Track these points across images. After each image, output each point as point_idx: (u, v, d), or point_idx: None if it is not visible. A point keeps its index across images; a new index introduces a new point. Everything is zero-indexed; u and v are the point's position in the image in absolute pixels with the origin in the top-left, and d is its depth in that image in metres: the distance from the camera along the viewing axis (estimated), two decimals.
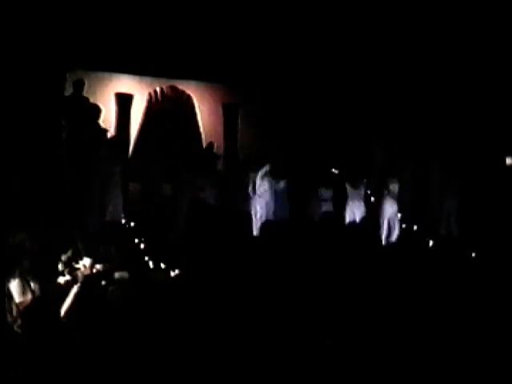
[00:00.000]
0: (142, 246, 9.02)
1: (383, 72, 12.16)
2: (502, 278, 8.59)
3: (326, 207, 10.66)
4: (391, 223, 10.49)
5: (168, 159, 10.64)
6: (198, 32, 11.48)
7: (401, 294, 7.80)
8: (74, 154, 9.48)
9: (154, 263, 8.45)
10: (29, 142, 9.04)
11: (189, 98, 12.38)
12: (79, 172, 9.21)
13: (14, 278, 5.25)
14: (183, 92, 12.35)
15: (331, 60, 12.11)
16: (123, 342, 5.61)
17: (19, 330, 5.05)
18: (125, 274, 6.76)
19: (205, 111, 12.47)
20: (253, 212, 10.24)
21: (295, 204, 10.53)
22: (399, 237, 10.52)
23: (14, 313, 5.08)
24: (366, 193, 10.99)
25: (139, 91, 12.04)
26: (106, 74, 11.74)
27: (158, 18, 11.26)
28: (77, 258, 6.22)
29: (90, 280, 5.69)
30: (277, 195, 10.36)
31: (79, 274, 5.71)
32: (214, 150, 11.46)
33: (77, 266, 5.93)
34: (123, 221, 9.58)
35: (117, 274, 6.66)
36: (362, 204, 10.71)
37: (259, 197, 10.22)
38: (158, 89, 12.18)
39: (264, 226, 10.12)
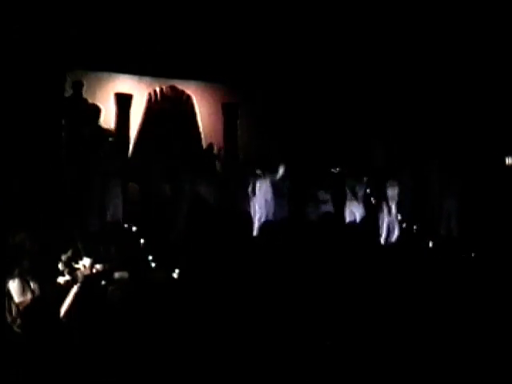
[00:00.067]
0: (142, 245, 9.02)
1: (383, 72, 12.16)
2: (502, 278, 8.59)
3: (326, 208, 10.65)
4: (391, 224, 10.50)
5: (168, 159, 10.64)
6: (198, 32, 11.48)
7: (400, 294, 7.79)
8: (73, 154, 9.47)
9: (154, 263, 8.44)
10: (29, 142, 9.03)
11: (188, 97, 12.38)
12: (79, 172, 9.20)
13: (13, 278, 5.26)
14: (183, 92, 12.35)
15: (331, 60, 12.11)
16: (123, 342, 5.61)
17: (19, 330, 5.06)
18: (125, 274, 6.76)
19: (204, 111, 12.47)
20: (252, 212, 10.24)
21: (295, 204, 10.53)
22: (399, 237, 10.52)
23: (14, 313, 5.09)
24: (365, 193, 10.99)
25: (139, 91, 12.03)
26: (106, 74, 11.74)
27: (157, 17, 11.26)
28: (77, 258, 6.22)
29: (89, 280, 5.69)
30: (277, 195, 10.36)
31: (79, 273, 5.72)
32: (214, 151, 11.45)
33: (77, 266, 5.93)
34: (123, 221, 9.57)
35: (117, 274, 6.65)
36: (362, 204, 10.71)
37: (259, 196, 10.22)
38: (157, 89, 12.17)
39: (264, 226, 10.11)
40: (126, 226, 9.50)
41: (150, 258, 8.53)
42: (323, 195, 10.65)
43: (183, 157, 10.80)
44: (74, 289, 5.48)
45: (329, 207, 10.67)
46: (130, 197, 10.18)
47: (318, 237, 9.60)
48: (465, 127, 11.84)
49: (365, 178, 10.86)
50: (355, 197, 10.66)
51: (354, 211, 10.65)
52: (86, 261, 5.86)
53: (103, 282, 6.09)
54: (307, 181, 10.86)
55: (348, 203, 10.69)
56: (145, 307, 6.11)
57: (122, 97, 11.83)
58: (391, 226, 10.48)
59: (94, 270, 5.83)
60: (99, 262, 5.99)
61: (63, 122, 10.01)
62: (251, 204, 10.25)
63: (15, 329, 5.04)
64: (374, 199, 11.02)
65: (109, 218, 9.25)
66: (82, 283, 5.55)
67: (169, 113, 12.26)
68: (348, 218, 10.63)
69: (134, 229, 9.45)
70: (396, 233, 10.48)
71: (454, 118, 11.95)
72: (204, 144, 12.13)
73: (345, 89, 12.22)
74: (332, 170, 11.51)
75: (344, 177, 11.10)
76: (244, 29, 11.58)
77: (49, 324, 5.17)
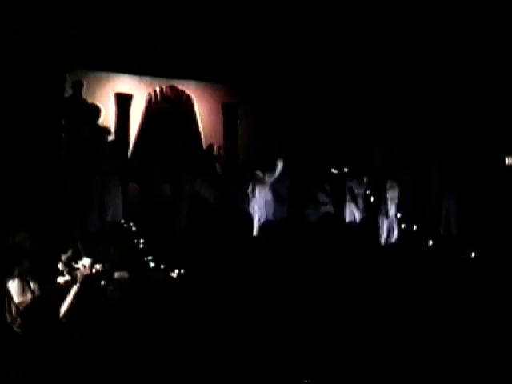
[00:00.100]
0: (142, 246, 9.02)
1: (383, 72, 12.15)
2: (502, 278, 8.59)
3: (326, 209, 10.65)
4: (390, 224, 10.50)
5: (168, 159, 10.64)
6: (198, 32, 11.48)
7: (400, 294, 7.80)
8: (73, 154, 9.48)
9: (153, 263, 8.45)
10: (29, 142, 9.04)
11: (188, 97, 12.38)
12: (79, 172, 9.21)
13: (13, 278, 5.26)
14: (183, 92, 12.34)
15: (331, 60, 12.11)
16: (123, 342, 5.61)
17: (19, 330, 5.06)
18: (124, 274, 6.77)
19: (204, 111, 12.46)
20: (252, 212, 10.24)
21: (295, 205, 10.53)
22: (399, 237, 10.52)
23: (14, 313, 5.09)
24: (365, 193, 10.98)
25: (139, 91, 12.03)
26: (106, 74, 11.73)
27: (157, 17, 11.26)
28: (76, 258, 6.22)
29: (89, 280, 5.69)
30: (277, 196, 10.36)
31: (79, 273, 5.71)
32: (214, 152, 11.46)
33: (76, 266, 5.93)
34: (123, 221, 9.57)
35: (116, 274, 6.66)
36: (362, 205, 10.72)
37: (259, 197, 10.23)
38: (157, 89, 12.17)
39: (263, 226, 10.11)
40: (125, 225, 9.50)
41: (150, 257, 8.53)
42: (323, 197, 10.65)
43: (183, 157, 10.80)
44: (74, 289, 5.48)
45: (329, 208, 10.67)
46: (129, 197, 10.19)
47: (317, 237, 9.60)
48: (465, 127, 11.83)
49: (365, 179, 10.86)
50: (355, 200, 10.66)
51: (353, 212, 10.66)
52: (86, 261, 5.85)
53: (103, 282, 6.09)
54: (307, 181, 10.86)
55: (348, 204, 10.69)
56: (144, 307, 6.12)
57: (121, 97, 11.82)
58: (391, 227, 10.49)
59: (94, 270, 5.82)
60: (99, 262, 5.99)
61: (63, 122, 10.02)
62: (251, 204, 10.26)
63: (15, 329, 5.04)
64: (374, 200, 11.02)
65: (109, 218, 9.26)
66: (82, 283, 5.55)
67: (169, 113, 12.25)
68: (348, 219, 10.63)
69: (133, 229, 9.45)
70: (395, 233, 10.49)
71: (453, 118, 11.95)
72: (204, 144, 12.12)
73: (345, 89, 12.22)
74: (332, 170, 11.51)
75: (344, 177, 11.09)
76: (244, 29, 11.58)
77: (49, 324, 5.17)
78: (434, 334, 6.66)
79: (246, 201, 10.26)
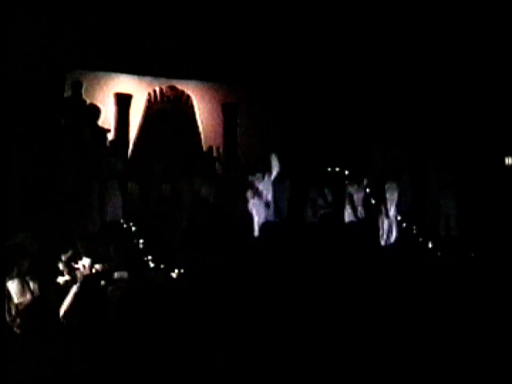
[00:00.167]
0: (142, 246, 9.02)
1: (383, 73, 12.15)
2: (502, 279, 8.58)
3: (325, 210, 10.66)
4: (390, 225, 10.50)
5: (167, 159, 10.64)
6: (198, 32, 11.49)
7: (400, 295, 7.79)
8: (73, 154, 9.47)
9: (153, 263, 8.44)
10: (29, 142, 9.04)
11: (188, 97, 12.39)
12: (79, 172, 9.21)
13: (13, 278, 5.26)
14: (183, 92, 12.35)
15: (331, 61, 12.11)
16: (122, 342, 5.61)
17: (19, 330, 5.06)
18: (124, 274, 6.76)
19: (204, 111, 12.47)
20: (252, 213, 10.24)
21: (294, 206, 10.53)
22: (398, 238, 10.51)
23: (13, 313, 5.09)
24: (365, 193, 10.98)
25: (139, 91, 12.04)
26: (106, 74, 11.74)
27: (157, 18, 11.26)
28: (76, 258, 6.22)
29: (89, 280, 5.69)
30: (276, 197, 10.36)
31: (79, 273, 5.72)
32: (214, 154, 11.47)
33: (76, 266, 5.93)
34: (122, 221, 9.57)
35: (116, 274, 6.66)
36: (360, 208, 10.71)
37: (259, 198, 10.22)
38: (157, 89, 12.18)
39: (263, 226, 10.11)
40: (125, 225, 9.50)
41: (150, 257, 8.53)
42: (322, 201, 10.66)
43: (183, 157, 10.80)
44: (74, 289, 5.48)
45: (328, 209, 10.68)
46: (129, 197, 10.19)
47: (317, 238, 9.60)
48: (464, 128, 11.83)
49: (365, 181, 10.86)
50: (353, 207, 10.67)
51: (353, 212, 10.66)
52: (86, 261, 5.86)
53: (102, 282, 6.09)
54: (306, 183, 10.86)
55: (347, 204, 10.69)
56: (144, 307, 6.11)
57: (121, 97, 11.83)
58: (390, 227, 10.48)
59: (94, 270, 5.83)
60: (99, 262, 5.99)
61: (63, 122, 10.02)
62: (251, 205, 10.25)
63: (15, 329, 5.04)
64: (374, 201, 11.02)
65: (108, 217, 9.26)
66: (82, 283, 5.55)
67: (169, 113, 12.26)
68: (347, 219, 10.63)
69: (133, 229, 9.45)
70: (394, 233, 10.48)
71: (453, 119, 11.95)
72: (204, 144, 12.13)
73: (345, 90, 12.22)
74: (331, 171, 11.50)
75: (344, 180, 11.08)
76: (244, 29, 11.58)
77: (48, 324, 5.17)
78: (434, 335, 6.65)
79: (246, 202, 10.25)
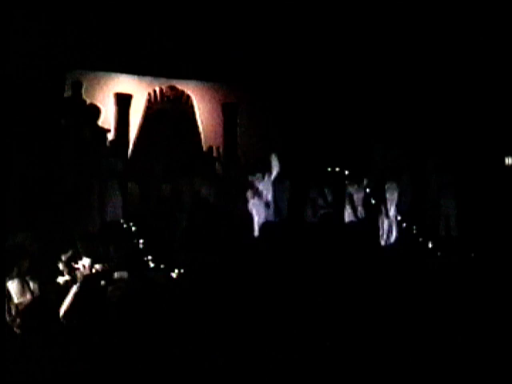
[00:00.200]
0: (142, 246, 9.02)
1: (383, 73, 12.16)
2: (502, 278, 8.58)
3: (325, 211, 10.66)
4: (390, 225, 10.50)
5: (167, 159, 10.64)
6: (198, 32, 11.49)
7: (400, 295, 7.79)
8: (73, 154, 9.47)
9: (153, 263, 8.44)
10: (29, 142, 9.04)
11: (188, 97, 12.39)
12: (79, 172, 9.21)
13: (13, 278, 5.26)
14: (183, 92, 12.35)
15: (331, 61, 12.11)
16: (122, 342, 5.61)
17: (18, 330, 5.06)
18: (124, 274, 6.76)
19: (204, 111, 12.47)
20: (252, 213, 10.24)
21: (294, 205, 10.53)
22: (398, 238, 10.51)
23: (13, 313, 5.09)
24: (365, 193, 10.98)
25: (139, 91, 12.04)
26: (106, 74, 11.74)
27: (157, 17, 11.26)
28: (76, 258, 6.22)
29: (89, 280, 5.69)
30: (276, 197, 10.36)
31: (79, 273, 5.72)
32: (214, 154, 11.47)
33: (76, 266, 5.93)
34: (122, 221, 9.57)
35: (116, 274, 6.66)
36: (362, 211, 10.72)
37: (259, 198, 10.23)
38: (157, 89, 12.18)
39: (263, 226, 10.11)
40: (125, 225, 9.50)
41: (150, 257, 8.53)
42: (322, 201, 10.66)
43: (183, 157, 10.80)
44: (74, 289, 5.48)
45: (328, 209, 10.68)
46: (129, 197, 10.19)
47: (317, 238, 9.60)
48: (464, 128, 11.83)
49: (365, 181, 10.86)
50: (353, 208, 10.67)
51: (353, 212, 10.66)
52: (86, 261, 5.86)
53: (102, 282, 6.09)
54: (306, 183, 10.86)
55: (347, 204, 10.69)
56: (144, 307, 6.11)
57: (121, 97, 11.83)
58: (390, 227, 10.49)
59: (94, 270, 5.83)
60: (99, 262, 5.99)
61: (63, 122, 10.02)
62: (251, 205, 10.25)
63: (15, 329, 5.04)
64: (374, 201, 11.02)
65: (108, 217, 9.26)
66: (82, 283, 5.55)
67: (169, 113, 12.27)
68: (347, 219, 10.63)
69: (133, 229, 9.45)
70: (394, 233, 10.49)
71: (453, 119, 11.95)
72: (204, 144, 12.13)
73: (345, 90, 12.22)
74: (331, 172, 11.49)
75: (344, 180, 11.08)
76: (244, 29, 11.58)
77: (48, 324, 5.17)
78: (435, 334, 6.65)
79: (247, 202, 10.25)
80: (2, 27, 9.28)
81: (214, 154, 11.52)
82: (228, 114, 12.52)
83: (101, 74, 11.62)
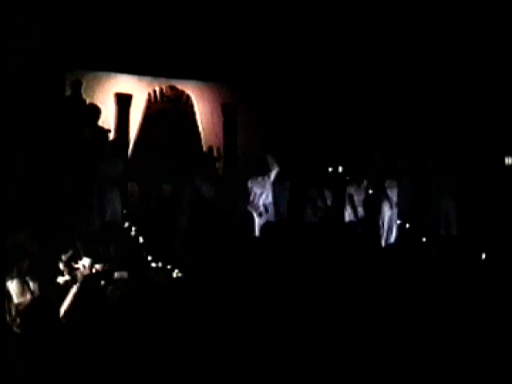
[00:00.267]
0: (142, 246, 9.02)
1: (382, 73, 12.16)
2: (503, 278, 8.58)
3: (325, 210, 10.67)
4: (390, 225, 10.51)
5: (167, 159, 10.64)
6: (198, 32, 11.49)
7: (400, 295, 7.79)
8: (73, 154, 9.48)
9: (154, 263, 8.44)
10: (29, 141, 9.04)
11: (188, 97, 12.38)
12: (79, 172, 9.21)
13: (13, 278, 5.26)
14: (182, 92, 12.35)
15: (331, 61, 12.11)
16: (122, 342, 5.61)
17: (18, 331, 5.06)
18: (124, 274, 6.76)
19: (204, 111, 12.47)
20: (253, 213, 10.26)
21: (294, 205, 10.53)
22: (398, 238, 10.52)
23: (13, 313, 5.09)
24: (365, 194, 10.99)
25: (139, 91, 12.04)
26: (106, 74, 11.74)
27: (157, 17, 11.27)
28: (76, 258, 6.22)
29: (89, 280, 5.69)
30: (277, 197, 10.36)
31: (79, 273, 5.71)
32: (214, 154, 11.47)
33: (76, 266, 5.93)
34: (122, 221, 9.57)
35: (116, 274, 6.65)
36: (362, 205, 10.72)
37: (259, 198, 10.24)
38: (157, 88, 12.17)
39: (263, 226, 10.12)
40: (125, 225, 9.51)
41: (150, 258, 8.53)
42: (322, 202, 10.66)
43: (183, 157, 10.80)
44: (74, 289, 5.48)
45: (328, 209, 10.68)
46: (129, 197, 10.19)
47: (317, 238, 9.60)
48: (464, 128, 11.84)
49: (365, 181, 10.86)
50: (353, 208, 10.67)
51: (353, 212, 10.66)
52: (86, 261, 5.85)
53: (102, 282, 6.09)
54: (307, 182, 10.86)
55: (347, 204, 10.70)
56: (144, 307, 6.11)
57: (121, 97, 11.83)
58: (390, 226, 10.50)
59: (94, 270, 5.82)
60: (99, 262, 5.99)
61: (63, 122, 10.02)
62: (251, 205, 10.26)
63: (15, 329, 5.04)
64: (374, 200, 11.02)
65: (108, 218, 9.26)
66: (82, 283, 5.55)
67: (169, 113, 12.26)
68: (347, 219, 10.64)
69: (133, 229, 9.45)
70: (394, 233, 10.49)
71: (453, 118, 11.95)
72: (204, 144, 12.13)
73: (344, 90, 12.22)
74: (331, 172, 11.50)
75: (344, 181, 11.08)
76: (244, 29, 11.58)
77: (48, 324, 5.17)
78: (435, 334, 6.65)
79: (247, 202, 10.26)
80: (2, 27, 9.29)
81: (214, 154, 11.51)
82: (228, 114, 12.52)
83: (101, 73, 11.62)
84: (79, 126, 9.87)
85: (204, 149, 11.96)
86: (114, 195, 9.34)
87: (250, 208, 10.25)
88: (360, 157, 11.66)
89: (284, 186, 10.49)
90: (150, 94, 12.14)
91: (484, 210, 10.94)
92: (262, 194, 10.27)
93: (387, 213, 10.51)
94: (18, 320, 5.07)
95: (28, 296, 5.21)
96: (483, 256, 9.90)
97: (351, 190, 10.77)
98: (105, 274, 6.14)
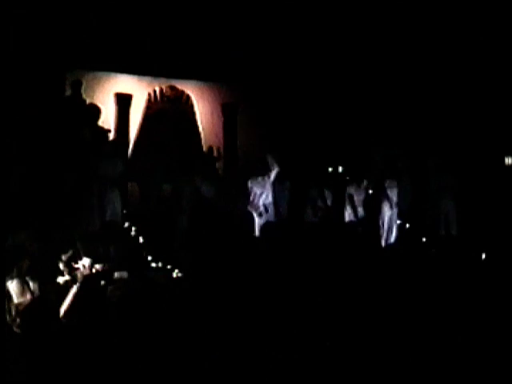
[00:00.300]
0: (142, 246, 9.02)
1: (382, 73, 12.16)
2: (503, 278, 8.58)
3: (325, 210, 10.67)
4: (390, 224, 10.51)
5: (167, 159, 10.64)
6: (198, 32, 11.49)
7: (400, 295, 7.79)
8: (73, 154, 9.48)
9: (153, 263, 8.44)
10: (28, 141, 9.04)
11: (188, 97, 12.39)
12: (79, 172, 9.21)
13: (13, 278, 5.25)
14: (182, 92, 12.35)
15: (331, 61, 12.12)
16: (122, 342, 5.61)
17: (18, 331, 5.06)
18: (124, 274, 6.76)
19: (204, 111, 12.47)
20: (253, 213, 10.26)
21: (294, 205, 10.53)
22: (398, 237, 10.52)
23: (13, 313, 5.09)
24: (365, 194, 10.99)
25: (139, 91, 12.04)
26: (106, 74, 11.75)
27: (157, 17, 11.27)
28: (76, 258, 6.22)
29: (89, 280, 5.68)
30: (276, 197, 10.36)
31: (78, 273, 5.71)
32: (214, 154, 11.48)
33: (76, 266, 5.93)
34: (122, 221, 9.57)
35: (116, 274, 6.65)
36: (362, 205, 10.72)
37: (259, 198, 10.24)
38: (157, 88, 12.18)
39: (263, 226, 10.12)
40: (125, 225, 9.51)
41: (150, 257, 8.53)
42: (322, 202, 10.66)
43: (183, 157, 10.80)
44: (74, 289, 5.48)
45: (328, 210, 10.69)
46: (130, 197, 10.19)
47: (317, 238, 9.60)
48: (464, 128, 11.84)
49: (365, 181, 10.86)
50: (355, 198, 10.67)
51: (353, 212, 10.66)
52: (86, 261, 5.85)
53: (102, 282, 6.09)
54: (307, 182, 10.86)
55: (348, 204, 10.70)
56: (144, 307, 6.11)
57: (121, 97, 11.83)
58: (390, 227, 10.50)
59: (94, 270, 5.82)
60: (99, 262, 5.99)
61: (63, 122, 10.02)
62: (251, 205, 10.26)
63: (15, 329, 5.04)
64: (374, 200, 11.03)
65: (108, 218, 9.26)
66: (82, 283, 5.55)
67: (169, 113, 12.27)
68: (347, 219, 10.64)
69: (133, 229, 9.45)
70: (394, 233, 10.49)
71: (453, 118, 11.95)
72: (204, 144, 12.13)
73: (344, 89, 12.22)
74: (331, 172, 11.50)
75: (344, 181, 11.08)
76: (244, 29, 11.58)
77: (48, 324, 5.17)
78: (435, 335, 6.65)
79: (247, 201, 10.26)
80: (2, 27, 9.29)
81: (214, 154, 11.51)
82: (228, 114, 12.52)
83: (101, 73, 11.63)
84: (79, 125, 9.86)
85: (204, 149, 11.97)
86: (113, 195, 9.34)
87: (249, 208, 10.26)
88: (360, 157, 11.66)
89: (284, 186, 10.48)
90: (150, 94, 12.14)
91: (484, 210, 10.93)
92: (262, 194, 10.28)
93: (387, 213, 10.52)
94: (17, 320, 5.07)
95: (28, 296, 5.21)
96: (483, 256, 9.90)
97: (351, 189, 10.77)
98: (105, 274, 6.14)
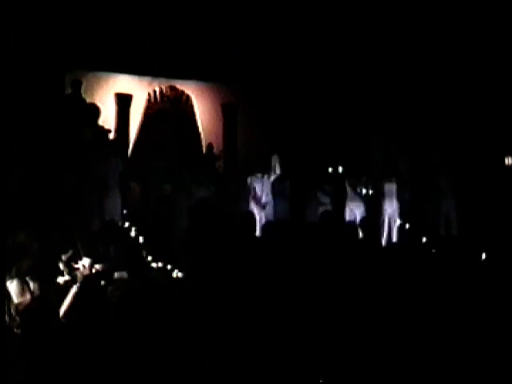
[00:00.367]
0: (142, 246, 9.01)
1: (382, 71, 12.16)
2: (503, 278, 8.57)
3: (325, 209, 10.66)
4: (390, 223, 10.51)
5: (167, 159, 10.64)
6: (198, 32, 11.49)
7: (400, 295, 7.78)
8: (73, 154, 9.48)
9: (153, 263, 8.44)
10: (28, 141, 9.04)
11: (188, 97, 12.40)
12: (79, 172, 9.21)
13: (13, 278, 5.25)
14: (182, 92, 12.36)
15: (330, 60, 12.12)
16: (122, 343, 5.60)
17: (18, 331, 5.05)
18: (124, 274, 6.75)
19: (204, 111, 12.48)
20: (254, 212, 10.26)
21: (295, 205, 10.53)
22: (398, 238, 10.52)
23: (13, 313, 5.08)
24: (366, 192, 10.99)
25: (139, 91, 12.05)
26: (106, 74, 11.76)
27: (157, 17, 11.27)
28: (76, 258, 6.22)
29: (89, 280, 5.68)
30: (277, 196, 10.37)
31: (78, 274, 5.71)
32: (214, 151, 11.47)
33: (76, 266, 5.93)
34: (122, 221, 9.57)
35: (116, 274, 6.65)
36: (362, 204, 10.72)
37: (259, 198, 10.25)
38: (157, 89, 12.19)
39: (265, 227, 10.10)
40: (125, 225, 9.50)
41: (150, 258, 8.52)
42: (323, 197, 10.66)
43: (183, 157, 10.80)
44: (74, 289, 5.48)
45: (328, 208, 10.68)
46: (130, 197, 10.18)
47: (317, 238, 9.58)
48: (464, 128, 11.84)
49: (364, 178, 10.87)
50: (355, 196, 10.67)
51: (353, 211, 10.66)
52: (86, 261, 5.85)
53: (102, 282, 6.08)
54: (307, 181, 10.87)
55: (348, 202, 10.70)
56: (145, 307, 6.11)
57: (121, 97, 11.84)
58: (390, 225, 10.50)
59: (94, 270, 5.82)
60: (99, 262, 5.98)
61: (63, 121, 10.02)
62: (254, 199, 10.26)
63: (14, 329, 5.04)
64: (373, 198, 11.03)
65: (108, 217, 9.26)
66: (82, 283, 5.55)
67: (169, 113, 12.28)
68: (348, 218, 10.63)
69: (133, 229, 9.45)
70: (395, 233, 10.50)
71: (453, 118, 11.95)
72: (204, 144, 12.13)
73: (344, 88, 12.22)
74: (332, 169, 11.50)
75: (344, 176, 11.09)
76: (243, 29, 11.59)
77: (48, 324, 5.17)
78: (435, 335, 6.65)
79: (247, 201, 10.26)
80: (2, 27, 9.29)
81: (214, 154, 11.51)
82: (228, 114, 12.53)
83: (101, 73, 11.64)
84: (79, 125, 9.86)
85: (204, 149, 11.97)
86: (113, 195, 9.34)
87: (252, 202, 10.23)
88: (360, 156, 11.66)
89: (284, 186, 10.49)
90: (149, 94, 12.15)
91: (484, 210, 10.93)
92: (262, 191, 10.27)
93: (388, 209, 10.51)
94: (17, 320, 5.06)
95: (28, 296, 5.20)
96: (483, 256, 9.89)
97: (352, 180, 10.77)
98: (105, 274, 6.14)
